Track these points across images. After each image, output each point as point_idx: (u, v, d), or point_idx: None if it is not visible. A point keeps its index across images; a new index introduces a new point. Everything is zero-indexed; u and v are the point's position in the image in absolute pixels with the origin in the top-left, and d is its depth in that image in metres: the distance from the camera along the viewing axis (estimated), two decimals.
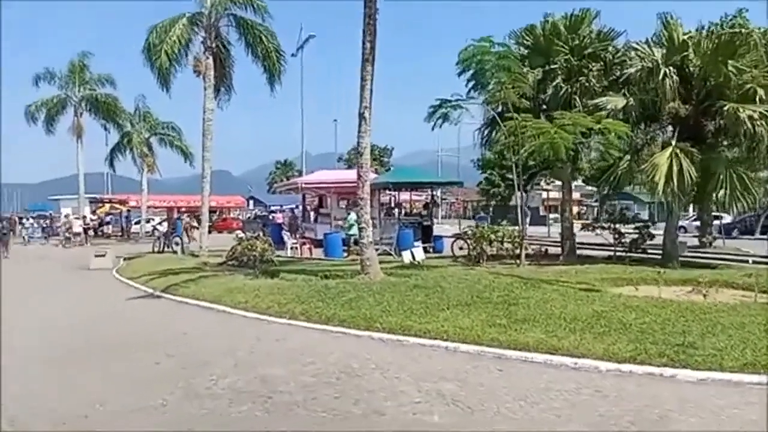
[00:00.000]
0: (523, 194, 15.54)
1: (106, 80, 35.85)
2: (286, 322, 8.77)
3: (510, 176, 37.75)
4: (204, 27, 20.40)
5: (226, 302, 10.35)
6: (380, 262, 13.40)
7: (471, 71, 12.26)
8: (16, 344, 8.00)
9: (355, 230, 20.45)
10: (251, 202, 67.47)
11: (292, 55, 35.39)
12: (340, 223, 22.36)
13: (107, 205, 47.67)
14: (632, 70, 13.41)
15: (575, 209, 65.58)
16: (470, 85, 12.86)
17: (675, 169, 12.34)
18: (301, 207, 34.18)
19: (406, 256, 14.64)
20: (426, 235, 20.76)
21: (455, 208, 67.03)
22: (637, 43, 14.26)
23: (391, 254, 17.78)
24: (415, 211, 27.45)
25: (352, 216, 20.62)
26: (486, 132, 15.82)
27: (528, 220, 35.30)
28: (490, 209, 46.48)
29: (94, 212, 43.75)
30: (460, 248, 18.50)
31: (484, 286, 10.21)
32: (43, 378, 6.27)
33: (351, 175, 28.20)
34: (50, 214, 45.21)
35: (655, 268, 12.79)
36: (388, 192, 24.78)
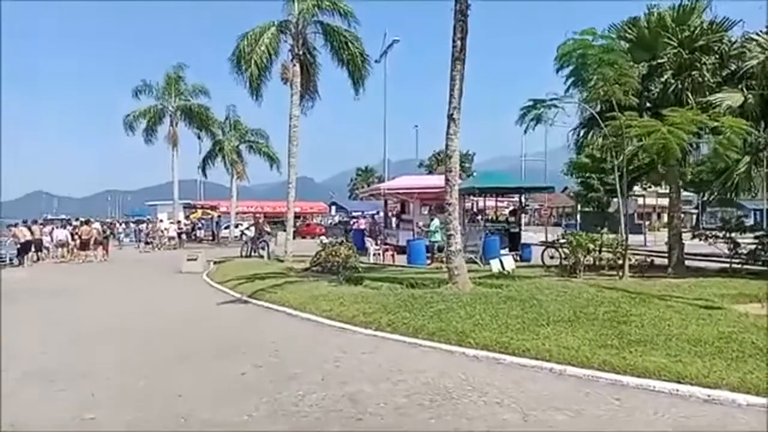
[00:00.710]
0: (625, 200, 14.32)
1: (200, 91, 37.55)
2: (372, 333, 8.38)
3: (609, 180, 35.71)
4: (292, 34, 20.65)
5: (311, 310, 10.13)
6: (467, 271, 12.82)
7: (571, 67, 11.37)
8: (105, 346, 8.13)
9: (438, 237, 19.98)
10: (333, 208, 68.47)
11: (376, 61, 35.18)
12: (422, 229, 21.88)
13: (199, 211, 49.85)
14: (753, 62, 12.02)
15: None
16: (569, 82, 11.94)
17: None
18: (382, 213, 34.09)
19: (495, 265, 13.89)
20: (513, 242, 19.87)
21: (540, 214, 64.73)
22: (758, 34, 12.81)
23: (476, 262, 17.07)
24: (499, 217, 26.47)
25: (436, 222, 20.12)
26: (582, 133, 14.79)
27: (621, 227, 33.29)
28: (578, 216, 44.29)
29: (187, 217, 45.87)
30: (551, 257, 17.50)
31: (587, 300, 9.34)
32: (128, 384, 6.19)
33: (434, 180, 27.75)
34: (148, 219, 47.83)
35: None
36: (471, 198, 24.03)
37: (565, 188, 58.27)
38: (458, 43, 10.66)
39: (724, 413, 4.91)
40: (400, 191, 25.11)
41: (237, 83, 20.89)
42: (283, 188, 21.87)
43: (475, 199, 24.79)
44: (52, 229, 28.28)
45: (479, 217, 23.09)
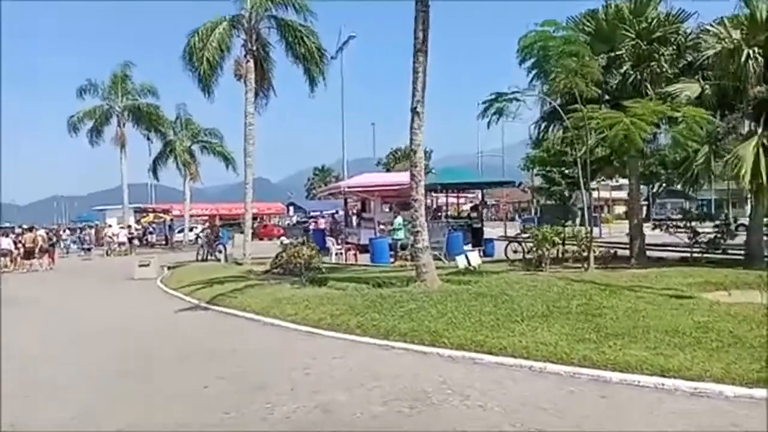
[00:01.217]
0: (589, 192, 14.33)
1: (148, 90, 36.07)
2: (341, 336, 7.99)
3: (569, 173, 36.15)
4: (245, 29, 20.00)
5: (275, 314, 9.66)
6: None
7: (533, 59, 11.23)
8: (59, 359, 7.48)
9: (401, 234, 19.69)
10: (291, 208, 67.50)
11: (332, 57, 34.73)
12: (384, 227, 21.56)
13: (151, 215, 48.18)
14: (710, 52, 12.19)
15: (621, 209, 63.02)
16: (531, 75, 11.83)
17: (763, 161, 11.10)
18: (342, 212, 33.64)
19: (461, 261, 13.69)
20: (476, 238, 19.76)
21: (498, 209, 65.47)
22: (712, 25, 13.02)
23: (441, 259, 16.82)
24: (461, 214, 26.42)
25: (399, 219, 19.85)
26: (542, 126, 14.77)
27: (578, 220, 33.79)
28: (537, 210, 44.87)
29: (138, 221, 44.24)
30: (515, 251, 17.51)
31: (557, 293, 9.19)
32: (78, 404, 5.62)
33: (394, 177, 27.49)
34: (96, 224, 45.93)
35: (739, 270, 11.60)
36: (432, 194, 23.82)
37: (520, 183, 59.07)
38: (420, 34, 10.36)
39: (713, 406, 4.76)
40: (361, 189, 24.71)
41: (191, 82, 20.14)
42: (238, 189, 21.25)
43: (436, 195, 24.63)
44: None
45: (440, 214, 22.89)
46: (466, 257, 13.79)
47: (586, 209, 13.35)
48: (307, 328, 8.60)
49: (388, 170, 66.16)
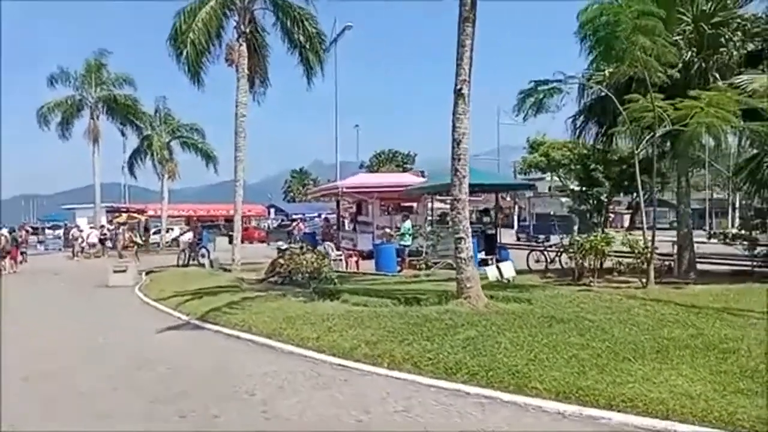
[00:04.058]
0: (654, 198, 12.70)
1: (124, 80, 33.58)
2: (387, 374, 6.13)
3: (611, 175, 34.59)
4: (237, 10, 18.00)
5: (291, 337, 7.75)
6: (448, 279, 11.01)
7: (595, 37, 9.48)
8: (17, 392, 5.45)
9: (410, 240, 17.97)
10: (272, 210, 65.12)
11: (325, 50, 32.84)
12: (388, 231, 19.68)
13: (124, 215, 45.38)
14: None
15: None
16: (591, 56, 10.02)
17: None
18: (331, 214, 31.86)
19: (492, 273, 11.93)
20: (489, 245, 18.06)
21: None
22: None
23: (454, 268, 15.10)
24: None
25: (407, 224, 18.19)
26: (581, 121, 13.15)
27: (576, 227, 32.38)
28: (532, 217, 43.34)
29: (110, 222, 41.51)
30: (537, 261, 16.05)
31: (648, 318, 7.48)
32: None
33: (396, 178, 25.76)
34: (65, 224, 43.06)
35: None
36: (428, 197, 21.95)
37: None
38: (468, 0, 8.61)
39: None
40: (360, 190, 22.79)
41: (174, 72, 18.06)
42: (213, 190, 19.67)
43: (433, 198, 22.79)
44: None
45: (449, 218, 21.10)
46: (498, 268, 12.03)
47: (643, 215, 11.72)
48: (339, 360, 6.71)
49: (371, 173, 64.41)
